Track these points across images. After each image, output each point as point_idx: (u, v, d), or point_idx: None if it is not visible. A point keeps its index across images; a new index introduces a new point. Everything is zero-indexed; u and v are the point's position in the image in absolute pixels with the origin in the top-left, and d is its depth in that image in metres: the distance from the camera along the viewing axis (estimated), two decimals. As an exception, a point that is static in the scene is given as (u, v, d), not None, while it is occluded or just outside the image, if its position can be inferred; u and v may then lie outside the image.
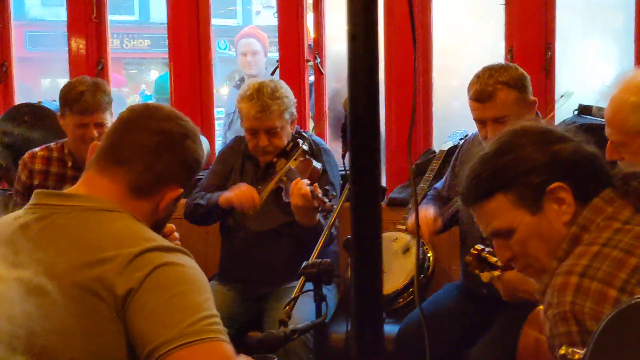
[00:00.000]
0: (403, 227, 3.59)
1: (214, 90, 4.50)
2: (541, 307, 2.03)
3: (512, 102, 2.98)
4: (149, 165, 1.74)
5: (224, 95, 7.07)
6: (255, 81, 3.48)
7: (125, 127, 1.78)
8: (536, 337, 2.11)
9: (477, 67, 3.11)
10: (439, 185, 3.52)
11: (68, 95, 3.37)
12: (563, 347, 1.13)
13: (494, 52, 4.00)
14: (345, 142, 2.53)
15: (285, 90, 3.42)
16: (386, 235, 3.66)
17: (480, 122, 3.05)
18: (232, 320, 3.39)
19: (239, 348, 3.27)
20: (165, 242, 1.67)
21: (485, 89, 2.98)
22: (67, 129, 3.44)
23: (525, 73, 3.07)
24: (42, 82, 9.94)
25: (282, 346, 2.08)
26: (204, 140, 4.23)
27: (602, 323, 1.09)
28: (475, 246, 2.40)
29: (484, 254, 2.36)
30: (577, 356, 1.07)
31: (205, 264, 4.02)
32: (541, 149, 1.67)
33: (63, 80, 4.72)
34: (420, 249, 3.45)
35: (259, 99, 3.33)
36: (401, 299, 3.47)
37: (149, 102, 1.96)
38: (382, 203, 3.94)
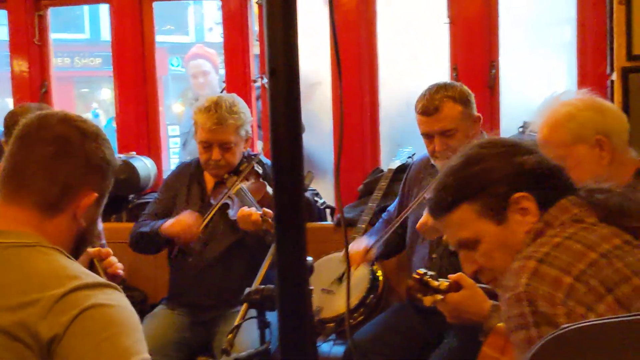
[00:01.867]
0: (353, 247, 3.58)
1: (167, 108, 4.45)
2: (500, 325, 2.04)
3: (457, 115, 3.08)
4: (51, 178, 1.66)
5: (178, 112, 7.02)
6: (214, 95, 3.48)
7: (19, 144, 1.70)
8: (495, 357, 2.11)
9: (424, 86, 3.17)
10: (391, 207, 3.53)
11: (10, 121, 3.31)
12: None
13: (440, 70, 4.02)
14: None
15: (243, 106, 3.43)
16: (335, 256, 3.65)
17: (428, 136, 3.13)
18: (181, 344, 3.35)
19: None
20: (92, 278, 1.59)
21: (432, 102, 3.07)
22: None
23: (469, 91, 3.16)
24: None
25: (224, 375, 2.05)
26: (148, 161, 4.18)
27: (529, 354, 1.09)
28: (417, 270, 2.40)
29: (426, 278, 2.35)
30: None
31: (154, 286, 3.99)
32: (507, 160, 1.71)
33: (10, 100, 4.65)
34: (370, 268, 3.45)
35: (217, 112, 3.32)
36: (351, 320, 3.46)
37: (42, 111, 1.90)
38: (332, 223, 3.93)
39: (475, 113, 3.16)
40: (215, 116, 3.31)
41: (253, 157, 3.49)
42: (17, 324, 1.48)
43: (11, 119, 3.31)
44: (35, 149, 1.68)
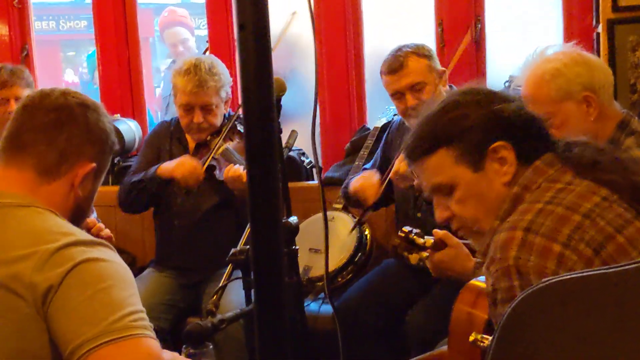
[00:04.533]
0: (339, 206, 3.58)
1: (155, 70, 4.41)
2: (473, 282, 2.05)
3: (424, 68, 3.12)
4: (51, 143, 1.69)
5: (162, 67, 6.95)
6: (192, 57, 3.43)
7: (21, 113, 1.74)
8: (468, 311, 2.12)
9: (410, 39, 3.17)
10: (368, 165, 3.51)
11: None
12: (473, 334, 1.11)
13: (425, 25, 3.99)
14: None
15: (222, 67, 3.39)
16: (322, 215, 3.64)
17: (398, 95, 3.13)
18: (170, 306, 3.36)
19: (179, 333, 3.27)
20: (86, 236, 1.62)
21: (397, 59, 3.11)
22: None
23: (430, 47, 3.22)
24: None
25: (210, 336, 2.05)
26: (133, 124, 4.15)
27: (507, 310, 1.08)
28: (403, 228, 2.40)
29: (411, 235, 2.35)
30: (486, 342, 1.06)
31: (143, 249, 3.99)
32: (484, 107, 1.70)
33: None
34: (358, 227, 3.45)
35: (196, 74, 3.28)
36: (340, 278, 3.47)
37: (44, 87, 1.96)
38: (317, 183, 3.92)
39: (440, 67, 3.19)
40: (196, 79, 3.28)
41: (234, 116, 3.45)
42: (10, 276, 1.50)
43: None
44: (36, 116, 1.72)
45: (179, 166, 3.25)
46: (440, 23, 3.87)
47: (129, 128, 4.09)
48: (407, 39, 3.25)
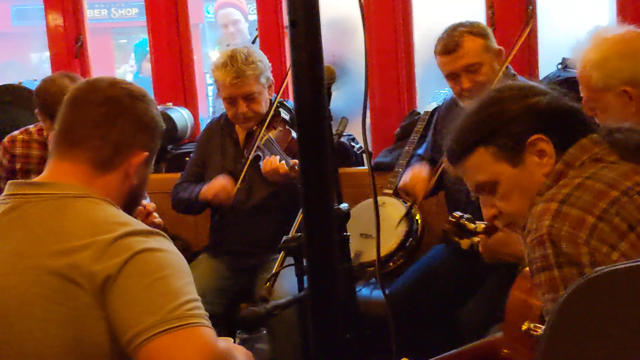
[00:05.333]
0: (390, 191, 3.58)
1: (205, 56, 4.44)
2: (527, 269, 2.04)
3: (479, 48, 3.06)
4: (104, 137, 1.72)
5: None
6: (227, 50, 3.45)
7: (71, 107, 1.77)
8: (524, 299, 2.12)
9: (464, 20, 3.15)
10: (421, 151, 3.50)
11: (45, 103, 3.28)
12: (526, 323, 1.12)
13: (475, 7, 3.95)
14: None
15: (259, 54, 3.40)
16: (372, 201, 3.64)
17: (453, 76, 3.09)
18: (223, 291, 3.41)
19: (232, 319, 3.32)
20: (142, 226, 1.65)
21: (452, 39, 3.05)
22: (45, 125, 3.41)
23: (486, 26, 3.16)
24: (31, 57, 9.85)
25: (264, 322, 2.08)
26: (185, 112, 4.20)
27: (560, 299, 1.08)
28: (454, 214, 2.40)
29: (462, 220, 2.35)
30: (538, 331, 1.06)
31: (196, 235, 4.04)
32: (519, 102, 1.71)
33: (47, 54, 4.69)
34: (409, 211, 3.45)
35: (233, 66, 3.30)
36: (391, 263, 3.47)
37: (91, 77, 1.98)
38: (367, 168, 3.92)
39: (496, 46, 3.12)
40: (233, 70, 3.30)
41: (279, 104, 3.47)
42: (70, 266, 1.53)
43: (44, 94, 3.29)
44: (87, 110, 1.74)
45: (210, 188, 3.34)
46: (491, 5, 3.83)
47: (181, 116, 4.14)
48: (457, 21, 3.20)
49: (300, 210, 2.53)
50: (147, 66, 5.73)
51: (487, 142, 1.71)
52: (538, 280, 1.45)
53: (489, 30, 3.13)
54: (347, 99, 4.29)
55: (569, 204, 1.50)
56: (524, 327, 1.13)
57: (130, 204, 1.81)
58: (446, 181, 3.32)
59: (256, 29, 4.27)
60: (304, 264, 2.31)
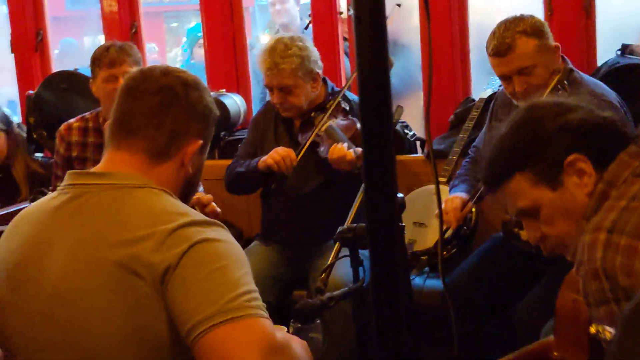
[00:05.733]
0: (443, 179, 3.54)
1: (255, 40, 4.43)
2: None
3: (533, 50, 2.93)
4: (159, 126, 1.73)
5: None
6: (275, 37, 3.45)
7: (125, 97, 1.78)
8: (574, 298, 2.08)
9: (515, 11, 3.04)
10: (478, 142, 3.44)
11: (95, 54, 3.40)
12: (593, 326, 1.09)
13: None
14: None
15: (302, 47, 3.34)
16: (426, 189, 3.63)
17: (505, 78, 2.99)
18: (276, 279, 3.42)
19: (285, 307, 3.33)
20: (200, 216, 1.66)
21: (503, 41, 2.92)
22: (99, 93, 3.43)
23: (541, 21, 3.00)
24: (84, 40, 9.96)
25: (319, 314, 2.08)
26: (238, 98, 4.21)
27: (633, 301, 1.05)
28: None
29: None
30: (608, 335, 1.04)
31: (248, 222, 4.06)
32: (551, 121, 1.66)
33: (102, 37, 4.74)
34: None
35: (270, 57, 3.30)
36: (444, 252, 3.45)
37: (143, 66, 1.99)
38: (422, 155, 3.89)
39: (552, 43, 2.98)
40: (269, 61, 3.30)
41: (338, 93, 3.45)
42: (131, 256, 1.55)
43: (96, 51, 3.40)
44: (141, 100, 1.75)
45: (272, 154, 3.30)
46: (548, -10, 3.75)
47: (234, 102, 4.15)
48: (513, 7, 3.12)
49: (356, 201, 2.55)
50: (199, 52, 5.77)
51: (523, 167, 1.67)
52: (597, 314, 1.41)
53: (545, 27, 2.98)
54: (399, 74, 4.25)
55: (618, 231, 1.45)
56: (593, 331, 1.10)
57: (186, 193, 1.83)
58: None
59: (309, 15, 4.25)
60: (359, 255, 2.31)
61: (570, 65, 3.03)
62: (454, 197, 3.25)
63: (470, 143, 3.56)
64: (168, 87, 1.75)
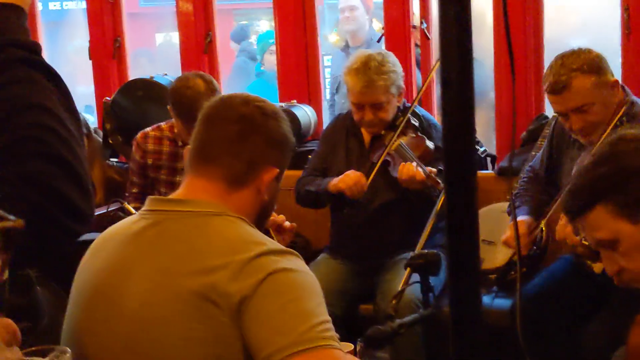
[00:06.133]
0: (514, 197, 3.51)
1: (323, 38, 4.42)
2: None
3: (590, 88, 2.87)
4: (237, 154, 1.76)
5: (332, 42, 7.00)
6: (362, 53, 3.45)
7: (206, 124, 1.82)
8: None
9: (590, 25, 2.99)
10: (535, 163, 3.39)
11: (182, 111, 3.38)
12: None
13: (609, 8, 3.81)
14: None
15: (393, 63, 3.39)
16: (497, 206, 3.60)
17: (562, 114, 2.95)
18: (344, 293, 3.43)
19: (352, 320, 3.35)
20: (275, 245, 1.69)
21: (559, 79, 2.86)
22: (177, 124, 3.51)
23: (600, 55, 2.92)
24: (155, 37, 10.13)
25: (390, 341, 2.09)
26: (308, 109, 4.24)
27: None
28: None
29: None
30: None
31: (317, 233, 4.08)
32: (635, 156, 1.67)
33: (175, 35, 4.77)
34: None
35: (365, 74, 3.31)
36: (513, 272, 3.42)
37: (223, 94, 2.04)
38: (492, 172, 3.86)
39: (612, 78, 2.91)
40: (364, 79, 3.30)
41: (407, 110, 3.45)
42: (208, 285, 1.58)
43: (179, 96, 3.38)
44: (221, 128, 1.79)
45: (344, 178, 3.32)
46: (626, 8, 3.67)
47: (305, 114, 4.18)
48: (589, 24, 3.08)
49: (427, 227, 2.56)
50: (270, 59, 5.82)
51: (605, 199, 1.67)
52: None
53: (603, 62, 2.90)
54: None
55: None
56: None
57: (261, 219, 1.85)
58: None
59: (382, 27, 4.25)
60: (429, 282, 2.32)
61: (632, 98, 2.97)
62: (520, 221, 3.21)
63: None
64: (247, 116, 1.79)
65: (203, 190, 1.76)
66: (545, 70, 2.97)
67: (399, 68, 3.40)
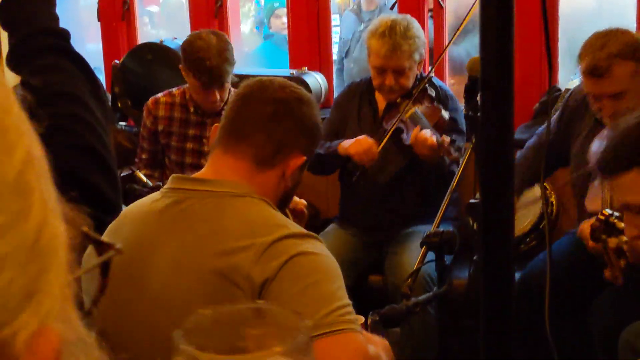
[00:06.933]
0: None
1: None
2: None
3: (629, 75, 2.81)
4: (269, 135, 1.76)
5: (339, 2, 6.90)
6: (387, 17, 3.43)
7: (241, 102, 1.81)
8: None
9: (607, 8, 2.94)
10: (532, 141, 3.33)
11: (193, 62, 3.36)
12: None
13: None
14: (468, 103, 2.47)
15: (417, 29, 3.38)
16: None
17: (595, 96, 2.90)
18: (352, 264, 3.43)
19: (361, 290, 3.36)
20: (297, 228, 1.69)
21: (599, 63, 2.79)
22: (188, 81, 3.48)
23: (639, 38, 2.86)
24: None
25: (405, 319, 2.10)
26: (320, 77, 4.21)
27: None
28: (603, 211, 2.33)
29: (612, 219, 2.28)
30: None
31: (326, 202, 4.08)
32: None
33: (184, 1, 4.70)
34: (544, 193, 3.37)
35: (391, 38, 3.29)
36: (523, 245, 3.44)
37: (262, 77, 2.02)
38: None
39: None
40: (390, 42, 3.28)
41: (424, 79, 3.43)
42: (230, 267, 1.59)
43: (192, 55, 3.36)
44: (255, 108, 1.79)
45: (356, 144, 3.30)
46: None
47: (316, 81, 4.14)
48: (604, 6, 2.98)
49: (444, 204, 2.56)
50: (275, 22, 5.77)
51: None
52: None
53: None
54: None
55: None
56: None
57: (281, 205, 1.85)
58: (578, 179, 3.18)
59: (395, -5, 4.20)
60: (445, 260, 2.32)
61: None
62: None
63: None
64: (283, 99, 1.79)
65: (229, 168, 1.75)
66: (581, 48, 2.90)
67: (422, 35, 3.39)
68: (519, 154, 3.33)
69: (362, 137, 3.34)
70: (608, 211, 2.39)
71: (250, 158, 1.75)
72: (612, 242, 2.40)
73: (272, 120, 1.76)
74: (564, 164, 3.19)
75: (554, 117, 3.31)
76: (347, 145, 3.33)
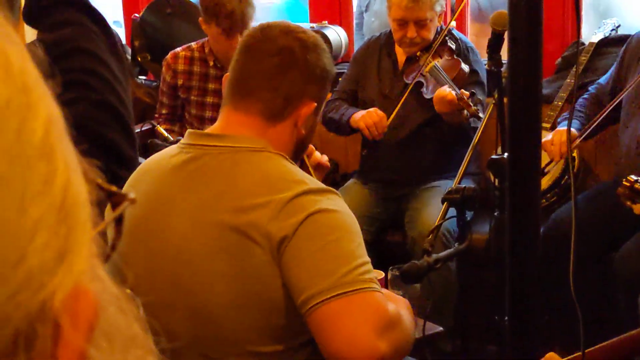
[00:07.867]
0: (547, 125, 3.47)
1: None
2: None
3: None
4: (276, 88, 1.73)
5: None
6: None
7: (244, 55, 1.78)
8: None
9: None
10: (602, 80, 3.32)
11: (213, 9, 3.34)
12: None
13: None
14: (492, 58, 2.44)
15: None
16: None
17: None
18: (371, 219, 3.44)
19: (380, 245, 3.37)
20: (315, 184, 1.68)
21: None
22: (210, 33, 3.46)
23: None
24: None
25: (426, 275, 2.11)
26: (340, 31, 4.16)
27: None
28: (628, 177, 2.31)
29: (637, 185, 2.26)
30: None
31: (345, 157, 4.08)
32: None
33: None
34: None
35: None
36: (544, 200, 3.41)
37: (264, 23, 1.95)
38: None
39: None
40: None
41: (444, 31, 3.39)
42: (248, 224, 1.58)
43: (212, 3, 3.34)
44: (260, 61, 1.75)
45: (365, 117, 3.29)
46: None
47: (336, 35, 4.10)
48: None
49: (465, 160, 2.55)
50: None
51: None
52: None
53: None
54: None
55: None
56: None
57: (297, 152, 1.84)
58: (624, 117, 3.15)
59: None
60: (466, 216, 2.32)
61: None
62: (562, 132, 3.15)
63: (578, 88, 3.45)
64: (287, 48, 1.75)
65: (241, 124, 1.74)
66: None
67: None
68: (580, 100, 3.30)
69: (372, 109, 3.32)
70: (633, 177, 2.37)
71: (260, 113, 1.74)
72: (637, 208, 2.38)
73: (278, 73, 1.74)
74: None
75: (614, 65, 3.27)
76: (358, 117, 3.32)
